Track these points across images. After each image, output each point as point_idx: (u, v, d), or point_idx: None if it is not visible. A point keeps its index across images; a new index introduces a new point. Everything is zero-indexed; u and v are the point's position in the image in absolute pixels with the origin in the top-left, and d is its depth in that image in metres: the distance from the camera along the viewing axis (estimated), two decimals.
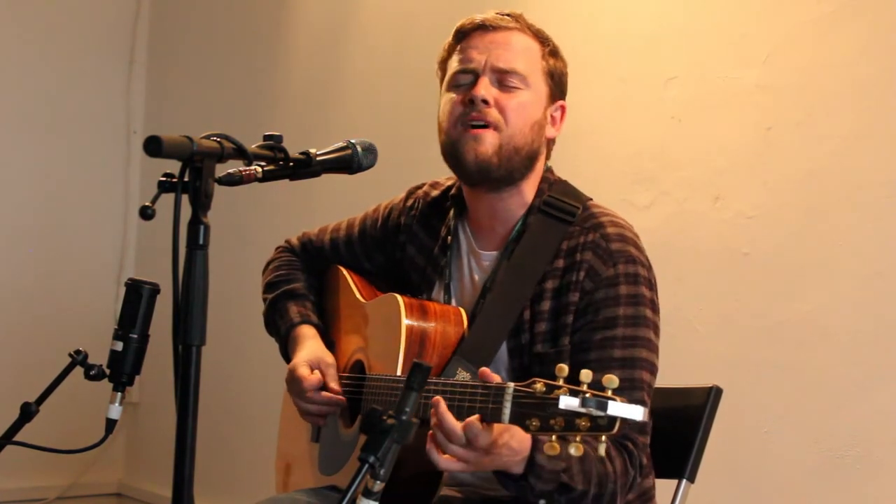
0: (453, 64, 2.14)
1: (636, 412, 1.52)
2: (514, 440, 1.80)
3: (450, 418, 1.77)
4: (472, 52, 2.11)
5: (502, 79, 2.08)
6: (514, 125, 2.07)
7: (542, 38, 2.15)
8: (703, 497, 2.41)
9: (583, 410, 1.54)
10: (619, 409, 1.53)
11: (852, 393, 2.76)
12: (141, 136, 5.03)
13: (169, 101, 5.06)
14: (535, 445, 1.81)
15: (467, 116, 2.07)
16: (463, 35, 2.14)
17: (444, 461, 1.81)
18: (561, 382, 1.60)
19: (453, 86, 2.13)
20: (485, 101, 2.06)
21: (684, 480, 2.24)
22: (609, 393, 1.54)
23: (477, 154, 2.06)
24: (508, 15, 2.14)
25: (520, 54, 2.10)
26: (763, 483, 2.91)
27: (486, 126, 2.06)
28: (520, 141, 2.08)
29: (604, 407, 1.53)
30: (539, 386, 1.63)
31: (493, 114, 2.06)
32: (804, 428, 2.83)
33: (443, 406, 1.78)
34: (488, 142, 2.06)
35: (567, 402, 1.55)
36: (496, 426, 1.77)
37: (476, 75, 2.09)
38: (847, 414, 2.76)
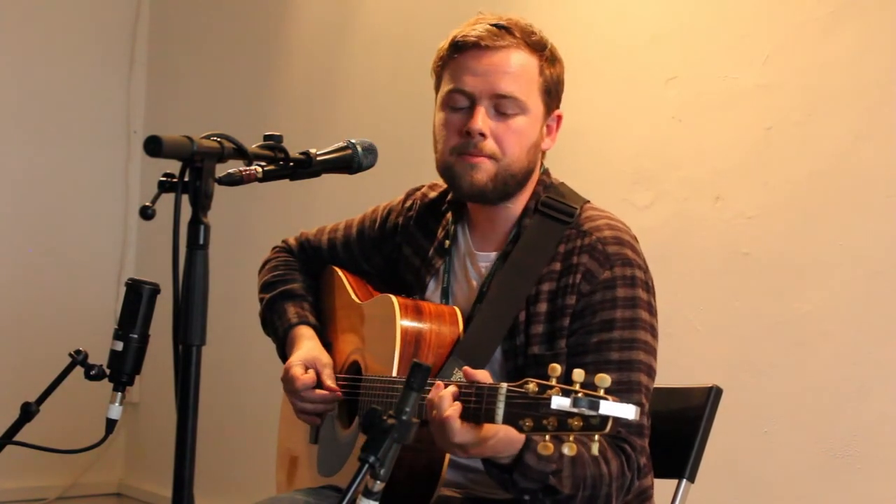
0: (448, 79, 2.10)
1: (628, 411, 1.53)
2: (502, 443, 1.79)
3: (447, 403, 1.76)
4: (468, 75, 2.06)
5: (499, 105, 2.06)
6: (511, 154, 2.07)
7: (538, 48, 2.10)
8: (703, 497, 2.41)
9: (574, 410, 1.55)
10: (611, 408, 1.53)
11: (852, 393, 2.76)
12: (141, 136, 5.03)
13: (169, 101, 5.06)
14: (527, 445, 1.81)
15: (464, 149, 2.07)
16: (458, 49, 2.09)
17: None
18: (553, 382, 1.60)
19: (448, 106, 2.10)
20: (482, 135, 2.05)
21: (684, 480, 2.24)
22: (601, 392, 1.55)
23: (473, 182, 2.07)
24: (504, 27, 2.08)
25: (517, 77, 2.06)
26: (763, 483, 2.91)
27: (482, 156, 2.06)
28: (516, 167, 2.08)
29: (595, 406, 1.53)
30: (532, 386, 1.63)
31: (489, 146, 2.06)
32: (804, 428, 2.83)
33: (452, 390, 1.78)
34: (484, 170, 2.06)
35: (559, 402, 1.56)
36: (487, 428, 1.77)
37: (472, 101, 2.06)
38: (847, 414, 2.76)
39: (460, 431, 1.76)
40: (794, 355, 2.87)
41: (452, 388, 1.79)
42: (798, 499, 2.85)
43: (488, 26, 2.08)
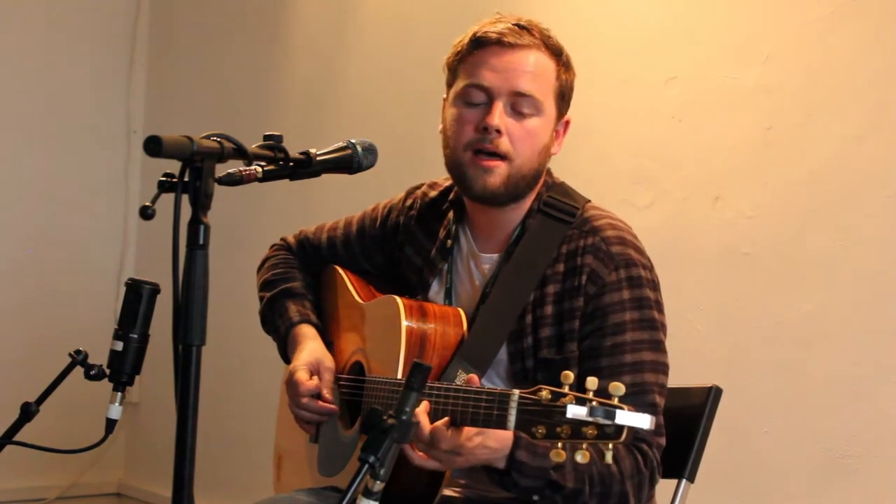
0: (465, 74, 2.09)
1: (643, 421, 1.52)
2: (491, 440, 1.81)
3: (422, 419, 1.81)
4: (488, 71, 2.06)
5: (516, 103, 2.06)
6: (524, 154, 2.07)
7: (556, 52, 2.11)
8: (703, 497, 2.41)
9: (590, 419, 1.54)
10: (627, 417, 1.52)
11: (852, 393, 2.76)
12: (141, 136, 5.03)
13: (169, 101, 5.06)
14: (517, 442, 1.82)
15: (479, 144, 2.06)
16: (479, 45, 2.08)
17: (417, 458, 1.85)
18: (566, 390, 1.60)
19: (464, 101, 2.09)
20: (498, 131, 2.04)
21: (684, 480, 2.24)
22: (616, 401, 1.54)
23: (486, 186, 2.07)
24: (525, 28, 2.08)
25: (536, 78, 2.06)
26: (763, 483, 2.91)
27: (496, 155, 2.06)
28: (527, 169, 2.08)
29: (612, 416, 1.53)
30: (545, 393, 1.63)
31: (504, 144, 2.05)
32: (804, 428, 2.83)
33: (422, 406, 1.82)
34: (498, 174, 2.06)
35: (574, 412, 1.55)
36: (467, 429, 1.79)
37: (490, 97, 2.06)
38: (847, 414, 2.76)
39: (445, 438, 1.79)
40: (794, 355, 2.87)
41: (424, 404, 1.83)
42: (798, 499, 2.85)
43: (510, 25, 2.08)
